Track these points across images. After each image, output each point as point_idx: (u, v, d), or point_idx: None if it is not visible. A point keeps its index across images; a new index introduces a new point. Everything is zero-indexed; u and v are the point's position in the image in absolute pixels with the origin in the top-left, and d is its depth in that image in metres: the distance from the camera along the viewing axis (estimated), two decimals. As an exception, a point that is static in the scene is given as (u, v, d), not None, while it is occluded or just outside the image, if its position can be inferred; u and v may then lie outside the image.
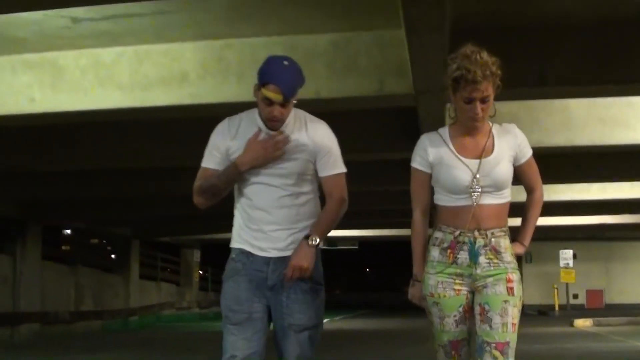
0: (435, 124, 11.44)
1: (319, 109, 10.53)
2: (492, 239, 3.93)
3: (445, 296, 3.95)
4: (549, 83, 9.34)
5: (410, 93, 9.63)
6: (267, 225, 4.14)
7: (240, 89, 9.72)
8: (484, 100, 3.87)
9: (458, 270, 3.94)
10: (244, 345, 4.08)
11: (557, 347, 15.03)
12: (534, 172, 4.13)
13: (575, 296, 37.65)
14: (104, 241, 32.90)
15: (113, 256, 30.77)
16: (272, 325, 4.22)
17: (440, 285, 3.95)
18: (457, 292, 3.95)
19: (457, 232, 3.93)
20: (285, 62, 4.09)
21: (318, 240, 4.11)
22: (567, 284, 32.88)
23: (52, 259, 24.56)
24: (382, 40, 9.56)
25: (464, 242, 3.93)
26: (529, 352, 12.68)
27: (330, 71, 9.72)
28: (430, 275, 4.00)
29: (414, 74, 8.92)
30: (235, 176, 4.13)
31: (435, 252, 4.00)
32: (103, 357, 14.63)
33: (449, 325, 3.96)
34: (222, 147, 4.18)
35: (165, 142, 13.36)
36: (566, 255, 33.23)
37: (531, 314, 29.94)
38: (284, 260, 4.12)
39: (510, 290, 3.90)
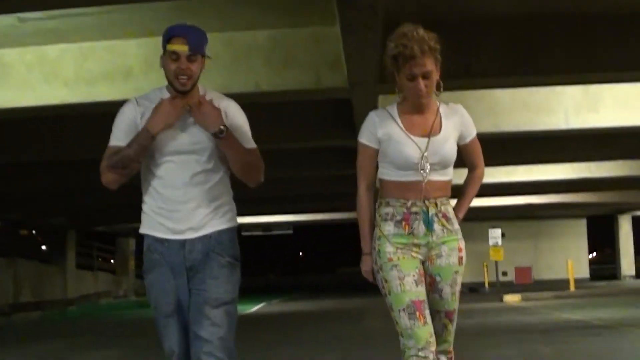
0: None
1: (259, 100, 11.13)
2: (442, 207, 4.00)
3: (404, 258, 3.95)
4: (474, 74, 9.94)
5: (345, 86, 10.14)
6: (181, 204, 4.01)
7: (183, 83, 10.11)
8: (426, 76, 3.90)
9: (415, 241, 3.97)
10: (180, 339, 4.04)
11: (488, 321, 15.66)
12: (478, 151, 4.18)
13: (505, 273, 38.60)
14: (40, 232, 32.80)
15: (49, 247, 30.73)
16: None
17: (399, 251, 3.96)
18: (413, 257, 3.97)
19: (409, 203, 3.95)
20: (188, 23, 4.00)
21: (225, 131, 3.94)
22: (496, 261, 33.76)
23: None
24: (319, 35, 10.05)
25: (416, 212, 3.96)
26: (462, 326, 13.15)
27: (269, 65, 10.19)
28: (385, 244, 3.98)
29: (349, 68, 9.44)
30: (147, 141, 3.93)
31: (389, 227, 3.99)
32: (42, 347, 14.86)
33: (410, 284, 3.94)
34: (130, 125, 3.99)
35: (107, 134, 13.63)
36: (495, 234, 33.94)
37: (463, 291, 30.58)
38: (200, 239, 4.03)
39: (460, 260, 4.03)
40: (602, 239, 56.31)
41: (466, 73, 9.92)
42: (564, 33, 10.02)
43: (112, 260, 37.22)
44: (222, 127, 3.91)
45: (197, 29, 3.96)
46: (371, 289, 4.29)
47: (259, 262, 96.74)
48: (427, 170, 3.93)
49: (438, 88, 3.99)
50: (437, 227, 3.98)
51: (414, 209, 3.96)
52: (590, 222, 43.81)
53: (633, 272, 41.89)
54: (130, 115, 4.01)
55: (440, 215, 3.98)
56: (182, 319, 4.06)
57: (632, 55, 10.12)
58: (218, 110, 3.94)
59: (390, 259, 3.96)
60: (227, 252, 4.06)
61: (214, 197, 4.04)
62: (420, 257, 4.00)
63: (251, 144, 4.09)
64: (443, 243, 4.00)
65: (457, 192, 4.21)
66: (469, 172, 4.21)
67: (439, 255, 3.99)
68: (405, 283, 3.94)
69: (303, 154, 16.89)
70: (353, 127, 13.13)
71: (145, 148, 3.95)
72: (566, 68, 10.29)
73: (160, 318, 4.08)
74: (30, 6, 8.08)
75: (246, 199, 26.10)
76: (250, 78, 10.15)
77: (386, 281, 3.98)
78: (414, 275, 3.95)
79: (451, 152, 4.01)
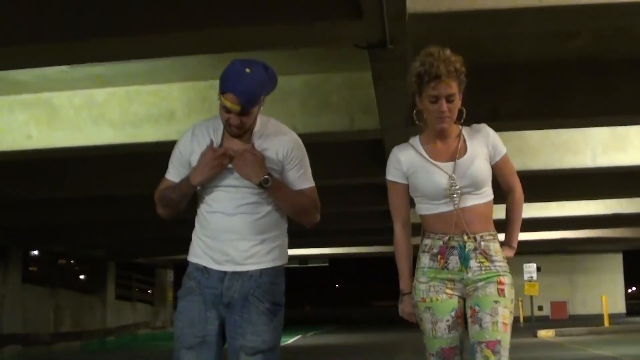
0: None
1: (295, 142, 11.64)
2: (482, 242, 3.83)
3: (437, 300, 3.83)
4: (501, 117, 10.38)
5: (378, 128, 10.64)
6: (223, 233, 3.86)
7: (223, 126, 10.68)
8: (449, 99, 3.79)
9: (449, 276, 3.83)
10: None
11: (519, 357, 15.94)
12: (510, 170, 4.01)
13: (540, 308, 38.68)
14: (81, 263, 33.54)
15: (90, 278, 31.40)
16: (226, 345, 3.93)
17: (433, 289, 3.83)
18: (449, 295, 3.83)
19: (446, 237, 3.82)
20: (247, 70, 3.79)
21: (270, 181, 3.82)
22: (531, 296, 33.84)
23: (32, 282, 25.26)
24: (352, 80, 10.58)
25: (453, 247, 3.82)
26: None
27: (305, 109, 10.72)
28: (421, 281, 3.87)
29: (380, 113, 9.95)
30: (188, 189, 3.88)
31: (425, 259, 3.88)
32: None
33: (442, 330, 3.82)
34: (185, 156, 3.95)
35: (150, 172, 14.25)
36: (530, 268, 34.07)
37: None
38: (240, 276, 3.85)
39: (501, 292, 3.80)
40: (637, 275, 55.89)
41: (493, 116, 10.35)
42: (584, 78, 10.45)
43: (150, 292, 37.78)
44: (265, 176, 3.80)
45: (255, 83, 3.79)
46: (406, 323, 4.03)
47: (296, 293, 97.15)
48: (458, 195, 3.80)
49: (460, 117, 3.89)
50: (473, 263, 3.82)
51: (451, 243, 3.83)
52: (628, 257, 43.70)
53: (670, 309, 41.79)
54: (185, 148, 3.95)
55: (478, 251, 3.82)
56: (205, 354, 3.84)
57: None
58: (260, 158, 3.81)
59: (424, 300, 3.85)
60: (266, 297, 3.86)
61: (261, 230, 3.87)
62: (457, 293, 3.85)
63: (307, 183, 3.97)
64: (480, 280, 3.82)
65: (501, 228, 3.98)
66: (507, 196, 4.04)
67: (476, 289, 3.82)
68: (437, 329, 3.82)
69: (338, 190, 17.41)
70: (385, 165, 13.61)
71: (187, 196, 3.91)
72: (586, 111, 10.73)
73: (181, 350, 3.87)
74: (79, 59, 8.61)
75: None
76: (286, 121, 10.55)
77: (421, 320, 3.88)
78: (447, 320, 3.83)
79: (481, 170, 3.85)
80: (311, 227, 4.05)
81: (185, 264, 4.03)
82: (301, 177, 3.95)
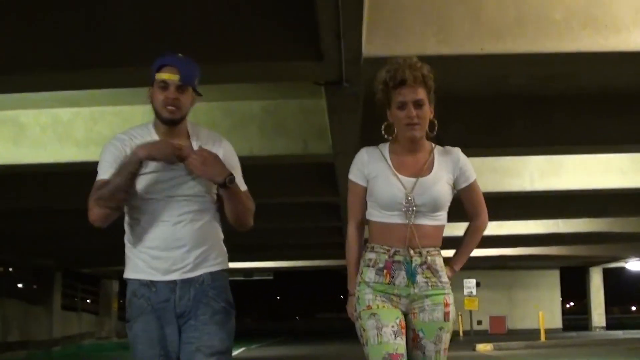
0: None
1: (252, 163, 12.26)
2: (428, 257, 3.75)
3: (384, 307, 3.72)
4: (442, 145, 11.10)
5: (330, 153, 11.32)
6: (171, 242, 3.75)
7: (183, 147, 11.26)
8: (418, 104, 3.72)
9: (395, 291, 3.73)
10: None
11: (457, 370, 16.64)
12: (477, 198, 3.92)
13: (480, 322, 39.45)
14: (28, 273, 33.60)
15: (37, 288, 31.49)
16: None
17: (379, 298, 3.73)
18: (394, 306, 3.74)
19: (392, 251, 3.73)
20: (180, 54, 3.83)
21: (234, 184, 3.77)
22: (470, 311, 34.58)
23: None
24: (307, 107, 11.24)
25: (399, 262, 3.72)
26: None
27: (262, 133, 11.36)
28: (366, 290, 3.76)
29: (333, 140, 10.62)
30: (135, 167, 3.67)
31: (370, 274, 3.76)
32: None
33: (387, 335, 3.67)
34: (117, 158, 3.77)
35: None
36: (470, 284, 34.77)
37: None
38: (191, 282, 3.77)
39: (446, 316, 3.75)
40: (576, 290, 57.33)
41: (438, 144, 11.07)
42: (524, 111, 11.30)
43: (95, 302, 37.90)
44: (230, 174, 3.75)
45: (189, 61, 3.82)
46: (349, 334, 4.00)
47: (239, 306, 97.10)
48: (413, 212, 3.71)
49: (432, 129, 3.83)
50: (420, 279, 3.74)
51: (397, 258, 3.73)
52: (565, 273, 44.75)
53: (604, 324, 42.50)
54: (116, 149, 3.82)
55: (425, 266, 3.74)
56: None
57: (584, 130, 11.42)
58: (218, 156, 3.76)
59: (369, 307, 3.73)
60: (221, 297, 3.82)
61: (206, 237, 3.81)
62: (401, 307, 3.76)
63: (244, 186, 3.93)
64: (426, 297, 3.75)
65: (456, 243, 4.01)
66: (470, 221, 3.96)
67: (422, 309, 3.75)
68: (383, 334, 3.68)
69: (287, 207, 18.13)
70: (335, 186, 14.34)
71: (134, 175, 3.69)
72: (525, 142, 11.59)
73: None
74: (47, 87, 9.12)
75: (229, 247, 27.13)
76: (245, 144, 11.30)
77: (364, 330, 3.73)
78: (393, 326, 3.69)
79: (440, 194, 3.75)
80: (245, 230, 3.98)
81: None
82: (240, 181, 3.87)
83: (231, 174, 3.73)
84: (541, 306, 38.28)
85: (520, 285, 42.65)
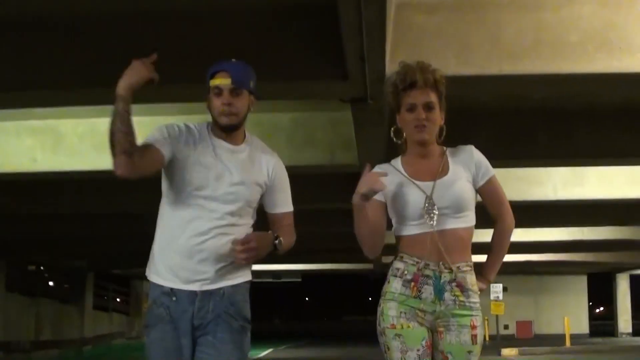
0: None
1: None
2: (459, 274, 3.57)
3: (409, 327, 3.54)
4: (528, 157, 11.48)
5: (356, 164, 11.70)
6: (197, 253, 3.70)
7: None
8: (428, 107, 3.61)
9: (421, 306, 3.56)
10: None
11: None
12: (499, 196, 3.74)
13: (506, 327, 39.64)
14: (62, 274, 34.29)
15: (70, 288, 32.11)
16: None
17: (404, 315, 3.55)
18: (420, 325, 3.56)
19: (422, 264, 3.56)
20: (233, 59, 3.87)
21: (282, 245, 3.85)
22: (497, 315, 34.78)
23: (14, 291, 26.03)
24: (334, 119, 11.61)
25: (428, 276, 3.56)
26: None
27: (291, 144, 11.74)
28: (390, 305, 3.59)
29: (359, 151, 11.01)
30: (118, 104, 3.78)
31: (396, 284, 3.60)
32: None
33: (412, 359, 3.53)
34: (171, 135, 3.90)
35: (139, 194, 15.28)
36: (496, 289, 34.91)
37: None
38: (212, 295, 3.72)
39: (474, 339, 3.57)
40: (605, 296, 57.16)
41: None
42: (546, 125, 11.62)
43: (125, 302, 38.52)
44: (276, 241, 3.82)
45: (242, 64, 3.84)
46: (376, 338, 3.63)
47: (266, 306, 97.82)
48: (435, 216, 3.55)
49: (440, 134, 3.70)
50: (448, 296, 3.56)
51: (426, 272, 3.56)
52: (594, 279, 44.75)
53: (630, 330, 42.52)
54: (173, 131, 3.94)
55: (454, 284, 3.57)
56: None
57: (604, 144, 11.72)
58: (257, 236, 3.74)
59: (393, 326, 3.56)
60: (240, 314, 3.77)
61: (231, 252, 3.71)
62: (426, 325, 3.58)
63: (289, 206, 3.96)
64: (452, 316, 3.58)
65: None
66: (495, 224, 3.76)
67: (448, 329, 3.58)
68: (407, 358, 3.54)
69: (315, 213, 18.52)
70: (361, 193, 14.72)
71: (120, 113, 3.78)
72: (548, 154, 11.92)
73: None
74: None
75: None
76: (273, 154, 11.69)
77: (388, 349, 3.60)
78: (418, 350, 3.54)
79: (462, 192, 3.60)
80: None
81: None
82: (285, 200, 3.93)
83: (277, 237, 3.81)
84: (568, 311, 38.42)
85: (547, 291, 42.78)
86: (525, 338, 38.70)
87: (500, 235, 3.76)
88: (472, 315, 3.60)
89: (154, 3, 7.77)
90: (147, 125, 11.38)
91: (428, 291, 3.57)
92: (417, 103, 3.61)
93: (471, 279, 3.62)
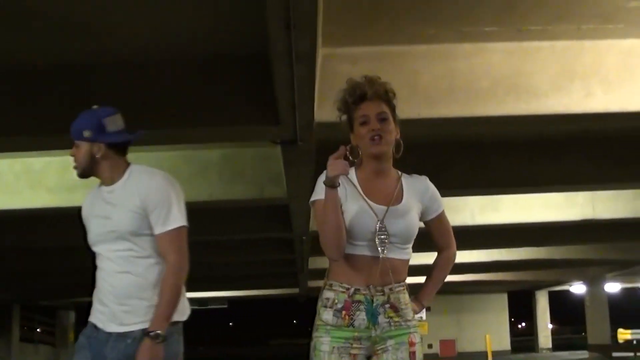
0: (304, 218, 14.26)
1: (212, 207, 13.16)
2: (391, 295, 3.42)
3: None
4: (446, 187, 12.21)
5: (284, 197, 12.28)
6: (105, 296, 3.71)
7: (149, 193, 12.17)
8: (381, 118, 3.44)
9: (355, 334, 3.40)
10: None
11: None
12: (446, 229, 3.67)
13: (430, 346, 40.45)
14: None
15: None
16: None
17: (336, 351, 3.39)
18: (353, 357, 3.41)
19: (352, 290, 3.40)
20: (94, 107, 3.92)
21: (160, 332, 3.62)
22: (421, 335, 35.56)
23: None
24: (263, 155, 12.17)
25: (359, 301, 3.39)
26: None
27: (221, 179, 12.27)
28: (322, 340, 3.42)
29: (288, 186, 11.61)
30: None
31: (327, 315, 3.43)
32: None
33: None
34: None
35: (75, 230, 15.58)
36: (419, 309, 35.81)
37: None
38: (124, 337, 3.67)
39: (412, 355, 3.44)
40: (525, 312, 58.63)
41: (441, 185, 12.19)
42: (463, 157, 12.40)
43: (51, 333, 38.23)
44: (156, 335, 3.62)
45: (81, 114, 3.88)
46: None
47: (191, 334, 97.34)
48: (386, 243, 3.38)
49: (398, 149, 3.52)
50: (382, 319, 3.41)
51: (356, 297, 3.40)
52: (515, 296, 45.78)
53: (550, 345, 43.72)
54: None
55: (387, 306, 3.42)
56: None
57: (518, 173, 12.56)
58: (152, 348, 3.59)
59: None
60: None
61: (144, 288, 3.68)
62: (362, 352, 3.43)
63: (173, 223, 3.71)
64: (390, 338, 3.43)
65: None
66: (439, 253, 3.70)
67: (385, 350, 3.44)
68: None
69: (244, 243, 19.14)
70: (289, 223, 15.34)
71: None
72: (465, 184, 12.69)
73: None
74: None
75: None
76: (206, 189, 12.22)
77: None
78: None
79: (413, 225, 3.47)
80: None
81: (85, 305, 4.07)
82: (162, 219, 3.72)
83: (150, 332, 3.62)
84: (489, 329, 39.15)
85: (468, 309, 43.50)
86: (449, 356, 39.53)
87: (445, 264, 3.71)
88: (409, 333, 3.46)
89: (99, 54, 8.26)
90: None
91: (361, 317, 3.41)
92: (370, 114, 3.45)
93: (404, 298, 3.48)
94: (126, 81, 8.43)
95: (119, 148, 3.88)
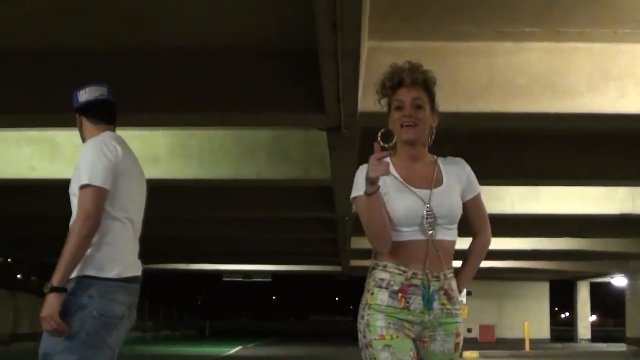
0: (347, 200, 14.71)
1: (259, 185, 13.73)
2: (445, 282, 3.42)
3: (398, 337, 3.37)
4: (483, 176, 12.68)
5: (328, 179, 12.79)
6: None
7: (200, 169, 12.77)
8: (417, 105, 3.44)
9: (410, 317, 3.39)
10: None
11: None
12: (482, 212, 3.65)
13: (470, 330, 40.64)
14: (39, 269, 35.06)
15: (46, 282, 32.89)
16: None
17: (392, 326, 3.37)
18: (407, 335, 3.40)
19: (409, 273, 3.38)
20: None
21: (48, 283, 3.82)
22: (460, 319, 35.77)
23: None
24: (309, 137, 12.68)
25: (416, 285, 3.38)
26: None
27: (269, 159, 12.82)
28: (377, 317, 3.39)
29: (332, 169, 12.11)
30: None
31: (383, 296, 3.40)
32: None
33: None
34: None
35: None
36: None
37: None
38: None
39: (456, 347, 3.45)
40: (567, 302, 58.59)
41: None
42: (501, 148, 12.81)
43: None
44: (45, 286, 3.86)
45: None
46: (341, 337, 3.41)
47: (235, 305, 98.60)
48: (435, 226, 3.39)
49: (430, 136, 3.54)
50: (436, 306, 3.41)
51: (414, 281, 3.38)
52: (556, 286, 45.84)
53: (589, 336, 43.78)
54: None
55: (442, 292, 3.42)
56: None
57: (551, 167, 13.01)
58: (47, 299, 3.81)
59: (382, 337, 3.38)
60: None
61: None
62: (412, 336, 3.42)
63: (78, 183, 3.99)
64: (440, 325, 3.43)
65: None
66: (474, 238, 3.69)
67: (433, 339, 3.44)
68: None
69: (287, 220, 19.75)
70: (332, 204, 15.88)
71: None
72: (503, 175, 13.11)
73: None
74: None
75: (231, 251, 28.69)
76: (254, 169, 12.80)
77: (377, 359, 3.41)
78: None
79: (457, 204, 3.48)
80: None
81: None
82: (78, 177, 4.03)
83: (48, 288, 3.83)
84: (529, 316, 39.31)
85: (509, 296, 43.59)
86: (488, 342, 39.69)
87: (481, 249, 3.68)
88: (457, 323, 3.47)
89: (152, 41, 8.83)
90: (138, 139, 12.42)
91: (417, 301, 3.40)
92: (405, 100, 3.46)
93: (454, 285, 3.49)
94: (181, 67, 9.02)
95: (92, 116, 4.27)
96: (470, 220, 3.64)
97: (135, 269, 4.09)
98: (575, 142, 12.91)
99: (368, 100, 8.60)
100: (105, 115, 4.27)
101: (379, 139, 3.42)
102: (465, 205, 3.56)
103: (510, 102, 8.95)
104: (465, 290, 36.62)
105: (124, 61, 8.98)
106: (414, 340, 3.42)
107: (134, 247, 4.16)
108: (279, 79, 8.87)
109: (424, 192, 3.43)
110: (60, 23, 8.39)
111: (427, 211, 3.38)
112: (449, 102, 8.70)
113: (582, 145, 12.95)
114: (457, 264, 3.56)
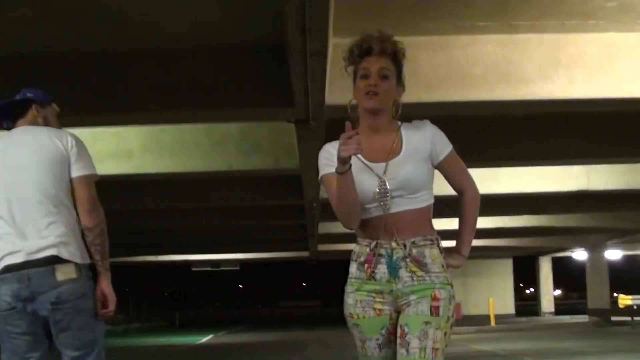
0: (315, 187, 15.30)
1: (230, 176, 14.21)
2: (413, 249, 3.32)
3: (365, 317, 3.38)
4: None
5: (297, 168, 13.32)
6: None
7: (172, 163, 13.22)
8: (383, 75, 3.35)
9: (377, 287, 3.35)
10: None
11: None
12: (459, 170, 3.55)
13: (436, 308, 41.33)
14: None
15: None
16: None
17: (359, 305, 3.38)
18: (377, 311, 3.37)
19: (373, 244, 3.35)
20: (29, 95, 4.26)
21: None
22: (426, 299, 36.30)
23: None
24: (278, 129, 13.16)
25: (381, 255, 3.33)
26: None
27: (239, 151, 13.30)
28: (348, 293, 3.41)
29: (300, 159, 12.63)
30: None
31: (352, 268, 3.41)
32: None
33: (371, 349, 3.39)
34: None
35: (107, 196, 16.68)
36: (425, 273, 36.56)
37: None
38: None
39: (434, 310, 3.30)
40: (531, 278, 59.56)
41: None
42: (460, 134, 13.25)
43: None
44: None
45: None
46: (310, 322, 3.60)
47: (204, 295, 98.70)
48: (388, 199, 3.30)
49: (396, 110, 3.45)
50: (403, 273, 3.32)
51: (379, 251, 3.34)
52: (519, 262, 46.15)
53: (552, 309, 44.65)
54: None
55: (409, 259, 3.32)
56: None
57: (509, 150, 13.63)
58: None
59: (351, 315, 3.41)
60: None
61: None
62: (387, 307, 3.38)
63: (90, 169, 4.23)
64: (412, 293, 3.33)
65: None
66: (460, 197, 3.58)
67: (408, 304, 3.34)
68: (366, 347, 3.41)
69: (257, 209, 20.27)
70: (301, 191, 16.42)
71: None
72: (462, 159, 13.64)
73: None
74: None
75: (200, 241, 29.07)
76: (224, 160, 13.28)
77: (352, 333, 3.47)
78: (377, 339, 3.38)
79: (416, 172, 3.35)
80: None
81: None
82: (85, 167, 4.25)
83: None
84: (494, 293, 39.75)
85: (474, 274, 43.72)
86: (454, 319, 40.35)
87: (469, 206, 3.59)
88: (434, 287, 3.33)
89: (127, 42, 9.25)
90: (112, 135, 12.79)
91: (382, 270, 3.34)
92: (371, 69, 3.35)
93: (431, 253, 3.37)
94: (156, 67, 9.48)
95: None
96: (450, 179, 3.55)
97: (11, 257, 3.94)
98: (530, 126, 13.52)
99: (334, 94, 9.15)
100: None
101: (349, 112, 3.43)
102: (441, 166, 3.47)
103: (467, 91, 9.52)
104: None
105: (99, 62, 9.41)
106: (393, 311, 3.38)
107: (13, 238, 3.97)
108: (250, 75, 9.36)
109: (379, 166, 3.34)
110: (36, 28, 8.73)
111: (379, 187, 3.32)
112: (410, 92, 9.02)
113: (536, 129, 13.57)
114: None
